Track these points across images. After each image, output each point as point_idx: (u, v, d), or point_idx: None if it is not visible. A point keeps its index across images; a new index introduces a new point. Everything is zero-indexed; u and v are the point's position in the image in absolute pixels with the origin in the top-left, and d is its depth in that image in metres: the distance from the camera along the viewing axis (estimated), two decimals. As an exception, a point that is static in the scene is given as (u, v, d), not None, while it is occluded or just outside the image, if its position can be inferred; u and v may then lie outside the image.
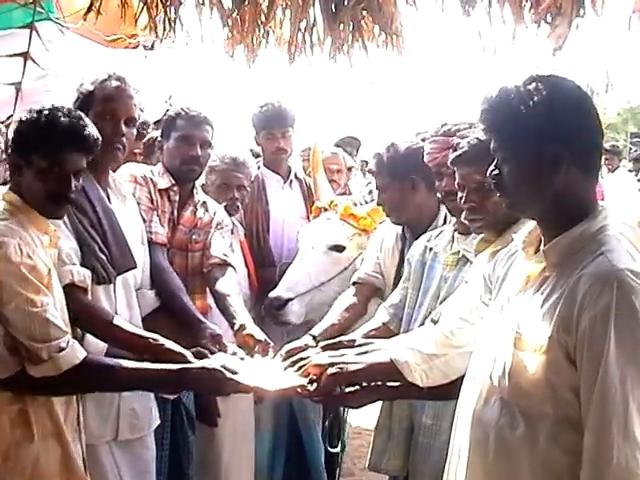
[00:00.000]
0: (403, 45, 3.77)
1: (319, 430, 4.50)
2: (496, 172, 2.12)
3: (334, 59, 3.74)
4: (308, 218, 4.81)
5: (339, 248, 4.20)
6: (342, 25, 3.56)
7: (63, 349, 2.50)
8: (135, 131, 3.26)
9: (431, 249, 3.28)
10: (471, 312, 2.48)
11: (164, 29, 3.54)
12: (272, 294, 4.06)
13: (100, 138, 2.73)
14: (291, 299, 4.04)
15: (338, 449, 3.54)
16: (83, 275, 2.87)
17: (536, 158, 2.01)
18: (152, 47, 6.46)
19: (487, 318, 2.30)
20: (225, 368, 2.54)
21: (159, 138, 3.93)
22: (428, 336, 2.61)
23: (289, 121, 4.75)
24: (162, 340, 2.81)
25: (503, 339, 2.10)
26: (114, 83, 3.14)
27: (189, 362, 2.67)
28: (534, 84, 2.02)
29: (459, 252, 3.13)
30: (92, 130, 2.68)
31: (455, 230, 3.22)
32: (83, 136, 2.64)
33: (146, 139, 4.53)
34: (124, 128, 3.11)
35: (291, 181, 4.89)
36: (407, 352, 2.55)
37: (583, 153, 2.03)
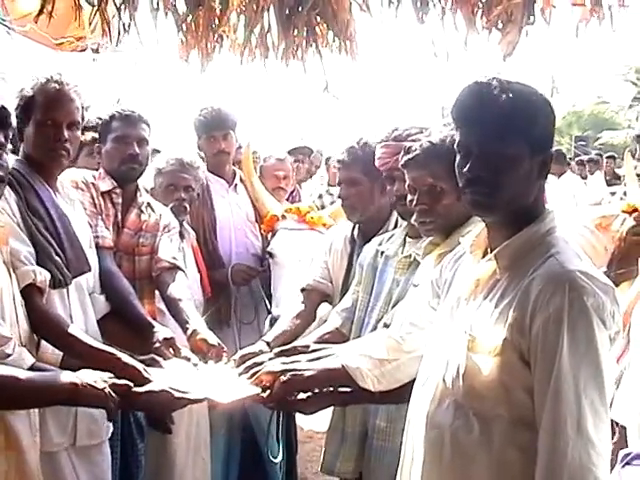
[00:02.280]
0: (357, 51, 3.80)
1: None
2: (475, 169, 2.08)
3: (288, 64, 3.75)
4: (257, 221, 4.82)
5: None
6: (296, 30, 3.58)
7: (9, 356, 2.46)
8: (79, 134, 3.20)
9: (382, 253, 3.29)
10: (420, 317, 2.51)
11: (118, 33, 3.52)
12: (274, 313, 4.08)
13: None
14: None
15: (278, 459, 3.55)
16: (44, 276, 2.83)
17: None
18: (97, 50, 6.41)
19: (436, 322, 2.33)
20: (172, 388, 2.50)
21: (97, 143, 3.91)
22: (379, 342, 2.64)
23: (229, 123, 4.75)
24: (119, 354, 2.76)
25: (455, 342, 2.13)
26: (54, 86, 3.09)
27: (143, 378, 2.60)
28: (519, 86, 2.07)
29: (411, 256, 3.13)
30: None
31: (406, 234, 3.24)
32: None
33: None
34: (66, 133, 3.06)
35: (236, 185, 4.88)
36: (359, 358, 2.57)
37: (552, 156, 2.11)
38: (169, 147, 4.16)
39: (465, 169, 2.10)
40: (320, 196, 7.76)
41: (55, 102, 3.08)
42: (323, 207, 5.90)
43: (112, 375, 2.49)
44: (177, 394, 2.48)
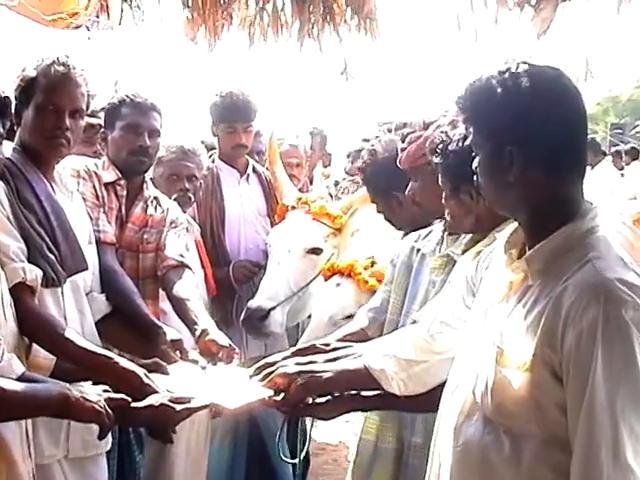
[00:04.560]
0: (377, 29, 3.80)
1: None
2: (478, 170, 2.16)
3: (302, 44, 3.76)
4: (269, 215, 4.87)
5: (317, 251, 4.27)
6: (312, 7, 3.58)
7: None
8: (82, 122, 3.18)
9: (418, 250, 3.25)
10: (453, 315, 2.49)
11: (122, 10, 3.52)
12: (252, 304, 4.11)
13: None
14: (273, 308, 4.11)
15: (296, 460, 3.59)
16: (35, 274, 2.81)
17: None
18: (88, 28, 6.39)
19: (469, 324, 2.31)
20: (173, 401, 2.49)
21: (102, 129, 3.91)
22: (406, 341, 2.61)
23: (252, 115, 4.80)
24: (117, 358, 2.75)
25: (485, 353, 2.10)
26: (59, 69, 3.07)
27: (143, 385, 2.61)
28: (507, 74, 2.04)
29: (449, 255, 3.06)
30: None
31: (444, 230, 3.17)
32: None
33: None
34: (68, 121, 3.05)
35: (248, 175, 4.93)
36: (383, 359, 2.55)
37: (560, 149, 2.03)
38: (171, 133, 4.16)
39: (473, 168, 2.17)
40: (336, 184, 7.73)
41: (59, 86, 3.07)
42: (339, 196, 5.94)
43: (108, 388, 2.50)
44: (179, 407, 2.47)
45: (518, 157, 2.01)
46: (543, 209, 2.06)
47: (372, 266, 4.11)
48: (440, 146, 2.89)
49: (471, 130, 2.15)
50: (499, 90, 2.03)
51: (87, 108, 3.20)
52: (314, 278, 4.23)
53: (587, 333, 1.85)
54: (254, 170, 4.97)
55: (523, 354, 1.97)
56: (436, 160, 2.91)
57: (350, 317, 3.92)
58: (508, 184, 2.05)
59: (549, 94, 2.03)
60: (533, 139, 2.01)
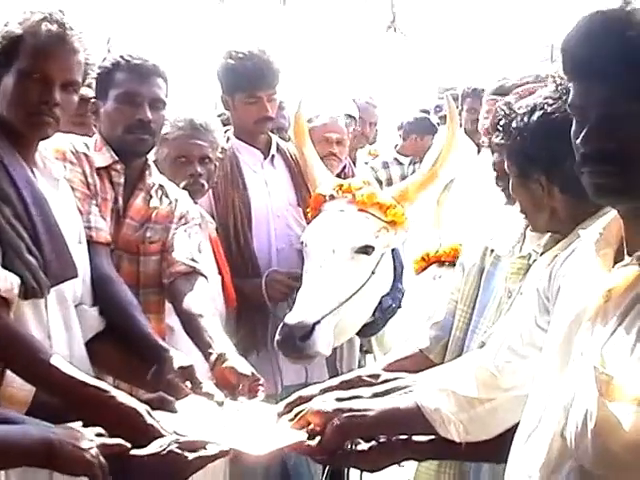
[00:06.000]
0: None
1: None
2: (593, 139, 1.98)
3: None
4: (299, 205, 4.84)
5: (367, 250, 4.15)
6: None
7: None
8: (76, 97, 3.11)
9: (492, 251, 3.20)
10: (522, 340, 2.41)
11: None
12: (291, 320, 3.94)
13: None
14: (317, 322, 3.95)
15: None
16: (11, 283, 2.77)
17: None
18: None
19: (547, 350, 2.21)
20: (184, 447, 2.43)
21: (92, 99, 3.85)
22: (467, 372, 2.55)
23: (277, 80, 4.76)
24: (113, 391, 2.67)
25: (580, 382, 1.99)
26: (52, 29, 2.99)
27: (145, 426, 2.56)
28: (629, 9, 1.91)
29: (530, 256, 2.97)
30: None
31: (527, 226, 3.07)
32: None
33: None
34: (58, 94, 2.99)
35: (273, 156, 4.90)
36: (439, 395, 2.50)
37: None
38: (177, 104, 4.14)
39: (579, 140, 2.01)
40: (386, 165, 7.69)
41: (51, 50, 2.99)
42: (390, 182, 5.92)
43: (102, 431, 2.45)
44: (191, 455, 2.43)
45: None
46: None
47: None
48: (502, 122, 2.85)
49: (584, 90, 2.01)
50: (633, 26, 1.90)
51: (83, 81, 3.14)
52: (365, 283, 4.14)
53: None
54: (278, 149, 4.93)
55: (638, 384, 1.86)
56: (496, 140, 2.88)
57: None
58: None
59: None
60: None
